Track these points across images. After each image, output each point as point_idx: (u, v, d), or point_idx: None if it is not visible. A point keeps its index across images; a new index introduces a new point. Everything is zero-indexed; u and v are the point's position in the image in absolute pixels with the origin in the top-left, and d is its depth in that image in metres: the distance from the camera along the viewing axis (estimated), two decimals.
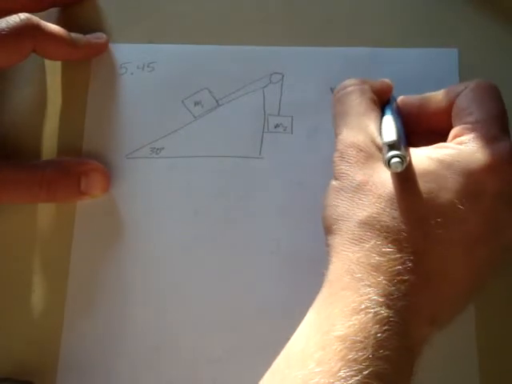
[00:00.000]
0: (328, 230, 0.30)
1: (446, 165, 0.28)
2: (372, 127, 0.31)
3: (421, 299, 0.27)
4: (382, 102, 0.33)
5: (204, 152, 0.37)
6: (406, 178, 0.28)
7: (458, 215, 0.28)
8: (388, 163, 0.28)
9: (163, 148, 0.37)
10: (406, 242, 0.27)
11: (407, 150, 0.29)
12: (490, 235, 0.28)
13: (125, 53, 0.39)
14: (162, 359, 0.34)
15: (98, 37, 0.38)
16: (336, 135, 0.32)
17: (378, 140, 0.30)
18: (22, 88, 0.39)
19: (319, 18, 0.39)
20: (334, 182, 0.31)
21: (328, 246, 0.30)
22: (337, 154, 0.31)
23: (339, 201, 0.30)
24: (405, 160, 0.27)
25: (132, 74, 0.39)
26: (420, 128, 0.33)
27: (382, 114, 0.32)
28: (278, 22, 0.39)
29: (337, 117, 0.32)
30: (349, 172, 0.30)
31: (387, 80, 0.34)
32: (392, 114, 0.31)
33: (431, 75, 0.38)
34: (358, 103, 0.32)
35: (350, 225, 0.29)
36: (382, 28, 0.39)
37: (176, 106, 0.38)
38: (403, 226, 0.27)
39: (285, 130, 0.37)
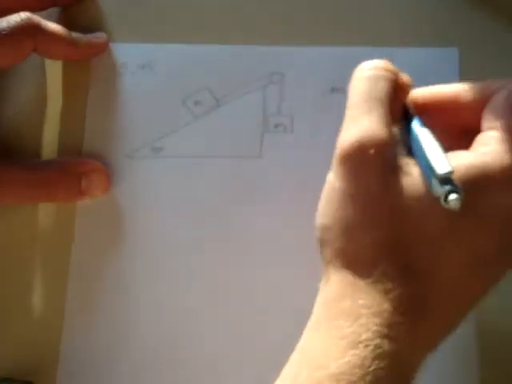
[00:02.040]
0: (328, 244, 0.27)
1: (466, 179, 0.25)
2: (395, 129, 0.27)
3: (423, 327, 0.25)
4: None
5: (204, 152, 0.37)
6: (419, 198, 0.26)
7: (470, 233, 0.26)
8: (445, 199, 0.24)
9: (163, 148, 0.37)
10: (416, 267, 0.25)
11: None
12: (501, 256, 0.27)
13: (125, 52, 0.39)
14: (163, 359, 0.34)
15: (98, 36, 0.38)
16: (351, 116, 0.27)
17: (400, 146, 0.27)
18: (22, 88, 0.39)
19: (319, 18, 0.39)
20: (336, 183, 0.27)
21: (326, 260, 0.27)
22: (349, 144, 0.26)
23: (346, 211, 0.26)
24: (462, 195, 0.24)
25: (132, 73, 0.39)
26: (449, 122, 0.30)
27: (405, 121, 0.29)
28: (278, 21, 0.39)
29: (358, 95, 0.28)
30: (361, 176, 0.26)
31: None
32: (424, 127, 0.28)
33: (431, 75, 0.37)
34: (388, 93, 0.28)
35: (358, 244, 0.26)
36: (383, 28, 0.39)
37: (176, 105, 0.38)
38: (414, 252, 0.25)
39: (285, 129, 0.37)
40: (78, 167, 0.36)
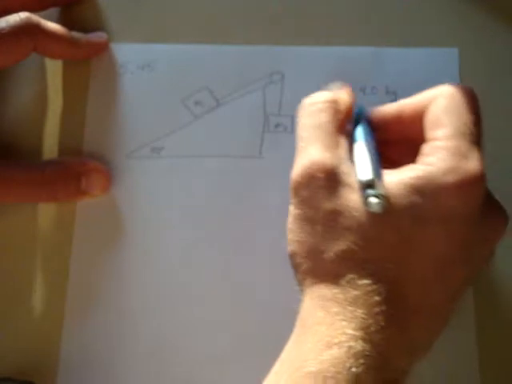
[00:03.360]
0: (297, 268, 0.29)
1: (415, 190, 0.27)
2: (342, 149, 0.29)
3: (399, 330, 0.26)
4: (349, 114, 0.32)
5: (204, 152, 0.37)
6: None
7: (429, 240, 0.27)
8: (366, 203, 0.26)
9: (163, 148, 0.37)
10: (381, 273, 0.27)
11: (382, 180, 0.27)
12: (464, 256, 0.28)
13: (125, 52, 0.39)
14: (162, 359, 0.34)
15: (98, 36, 0.38)
16: (299, 150, 0.30)
17: (347, 164, 0.28)
18: (22, 88, 0.39)
19: (320, 18, 0.39)
20: (295, 211, 0.29)
21: (299, 283, 0.29)
22: (298, 173, 0.29)
23: (305, 235, 0.28)
24: (384, 199, 0.26)
25: (132, 73, 0.39)
26: (398, 136, 0.31)
27: (352, 135, 0.31)
28: (278, 21, 0.39)
29: (304, 130, 0.30)
30: (312, 199, 0.28)
31: (351, 93, 0.32)
32: (365, 138, 0.30)
33: (431, 75, 0.38)
34: (329, 121, 0.30)
35: (321, 262, 0.27)
36: (383, 28, 0.39)
37: (176, 105, 0.38)
38: (376, 258, 0.27)
39: (285, 129, 0.37)
40: (77, 167, 0.36)
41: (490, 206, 0.29)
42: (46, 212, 0.36)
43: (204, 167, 0.37)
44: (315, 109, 0.31)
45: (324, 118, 0.30)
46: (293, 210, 0.29)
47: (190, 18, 0.40)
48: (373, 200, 0.26)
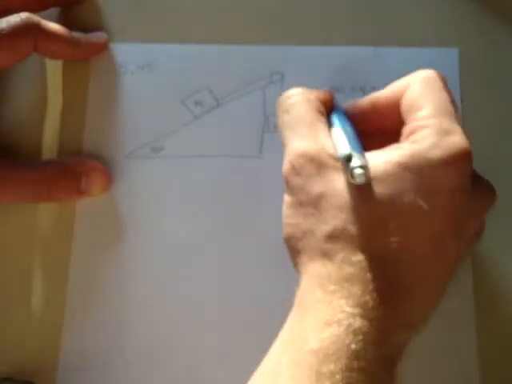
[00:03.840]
0: (293, 250, 0.30)
1: (402, 167, 0.27)
2: (322, 135, 0.30)
3: (396, 305, 0.27)
4: (328, 112, 0.32)
5: (204, 152, 0.37)
6: (363, 185, 0.27)
7: (420, 215, 0.27)
8: (351, 175, 0.27)
9: (163, 148, 0.37)
10: (374, 249, 0.27)
11: (362, 153, 0.28)
12: (455, 229, 0.28)
13: (125, 52, 0.39)
14: (162, 359, 0.34)
15: (98, 35, 0.38)
16: (285, 145, 0.31)
17: (330, 148, 0.29)
18: (22, 88, 0.39)
19: (319, 18, 0.39)
20: (288, 198, 0.30)
21: (296, 265, 0.29)
22: (287, 167, 0.30)
23: (299, 218, 0.29)
24: (367, 169, 0.27)
25: (132, 73, 0.39)
26: (373, 128, 0.32)
27: (330, 124, 0.31)
28: (278, 21, 0.39)
29: (284, 127, 0.31)
30: (303, 185, 0.29)
31: (328, 90, 0.34)
32: (340, 122, 0.31)
33: None
34: (305, 112, 0.31)
35: (315, 241, 0.28)
36: (383, 27, 0.39)
37: (176, 105, 0.38)
38: (368, 234, 0.27)
39: None
40: (77, 167, 0.36)
41: (477, 181, 0.29)
42: (46, 212, 0.36)
43: (204, 167, 0.37)
44: (290, 103, 0.32)
45: (299, 109, 0.31)
46: (286, 197, 0.30)
47: (190, 17, 0.40)
48: (356, 171, 0.27)
